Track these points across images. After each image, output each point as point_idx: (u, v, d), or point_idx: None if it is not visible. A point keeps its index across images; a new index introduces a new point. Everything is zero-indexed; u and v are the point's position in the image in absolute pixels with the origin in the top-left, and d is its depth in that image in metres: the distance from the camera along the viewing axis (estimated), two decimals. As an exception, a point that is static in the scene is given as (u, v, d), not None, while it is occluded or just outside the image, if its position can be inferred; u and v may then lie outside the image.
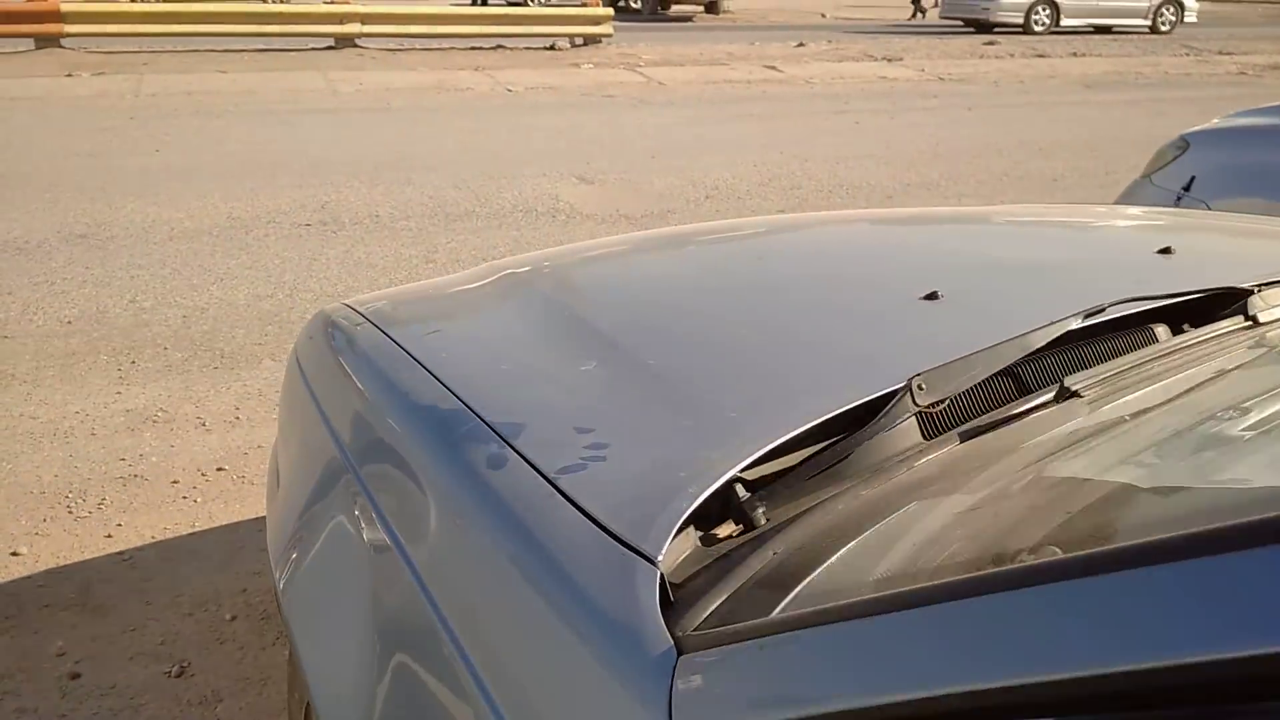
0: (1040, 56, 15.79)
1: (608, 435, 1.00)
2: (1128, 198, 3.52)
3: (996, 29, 19.35)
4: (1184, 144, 3.32)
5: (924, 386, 0.93)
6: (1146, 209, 2.20)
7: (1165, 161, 3.36)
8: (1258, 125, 3.18)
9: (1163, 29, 20.31)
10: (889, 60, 14.81)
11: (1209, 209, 3.12)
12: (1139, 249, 1.45)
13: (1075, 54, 16.15)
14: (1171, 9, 20.24)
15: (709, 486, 0.87)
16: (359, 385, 1.31)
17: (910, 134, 8.98)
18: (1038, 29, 19.23)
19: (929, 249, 1.58)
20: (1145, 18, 20.13)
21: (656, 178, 6.97)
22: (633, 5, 23.96)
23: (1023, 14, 19.15)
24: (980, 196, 6.60)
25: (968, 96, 11.59)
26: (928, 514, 0.85)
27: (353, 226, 5.61)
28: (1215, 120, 3.45)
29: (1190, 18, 20.52)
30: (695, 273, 1.57)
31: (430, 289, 1.68)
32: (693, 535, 0.88)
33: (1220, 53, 16.75)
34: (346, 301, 1.61)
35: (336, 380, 1.38)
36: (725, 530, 0.91)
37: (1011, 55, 15.90)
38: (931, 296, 1.21)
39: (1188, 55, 16.45)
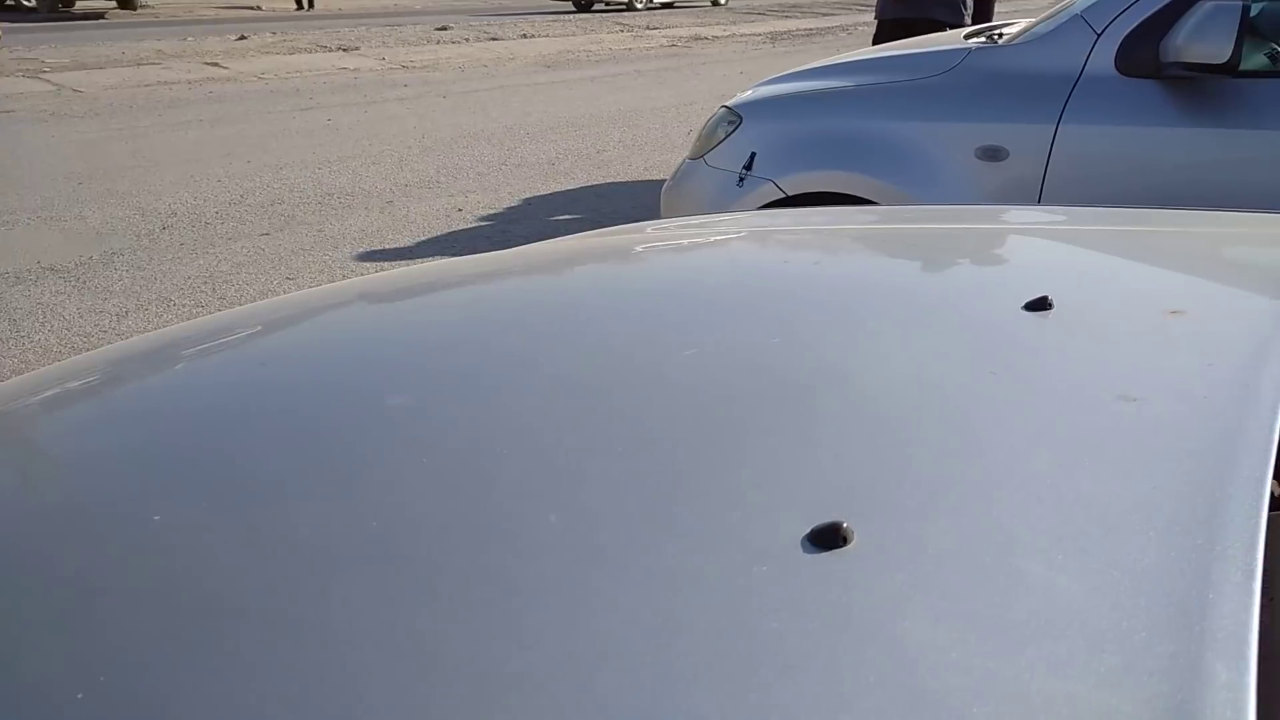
0: (494, 40, 15.85)
1: None
2: (684, 184, 3.10)
3: (598, 7, 21.29)
4: (736, 117, 2.95)
5: None
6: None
7: (718, 140, 2.98)
8: (811, 90, 2.90)
9: (721, 2, 23.16)
10: (345, 50, 13.83)
11: (778, 188, 2.78)
12: (998, 304, 0.84)
13: (525, 36, 16.46)
14: None
15: None
16: None
17: (393, 128, 8.21)
18: (639, 6, 21.40)
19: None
20: None
21: (90, 210, 5.44)
22: (25, 3, 20.03)
23: None
24: (485, 190, 6.06)
25: (438, 84, 11.08)
26: None
27: None
28: (759, 87, 3.15)
29: None
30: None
31: None
32: None
33: (649, 28, 18.15)
34: None
35: None
36: None
37: (466, 40, 15.76)
38: (834, 538, 0.49)
39: (623, 32, 17.58)
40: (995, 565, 0.48)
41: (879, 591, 0.48)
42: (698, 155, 3.08)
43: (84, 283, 4.26)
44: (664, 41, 16.26)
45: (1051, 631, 0.43)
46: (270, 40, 14.46)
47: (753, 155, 2.84)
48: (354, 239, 5.00)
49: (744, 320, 0.89)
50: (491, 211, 5.59)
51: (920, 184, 2.57)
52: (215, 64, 11.96)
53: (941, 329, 0.82)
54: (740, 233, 1.37)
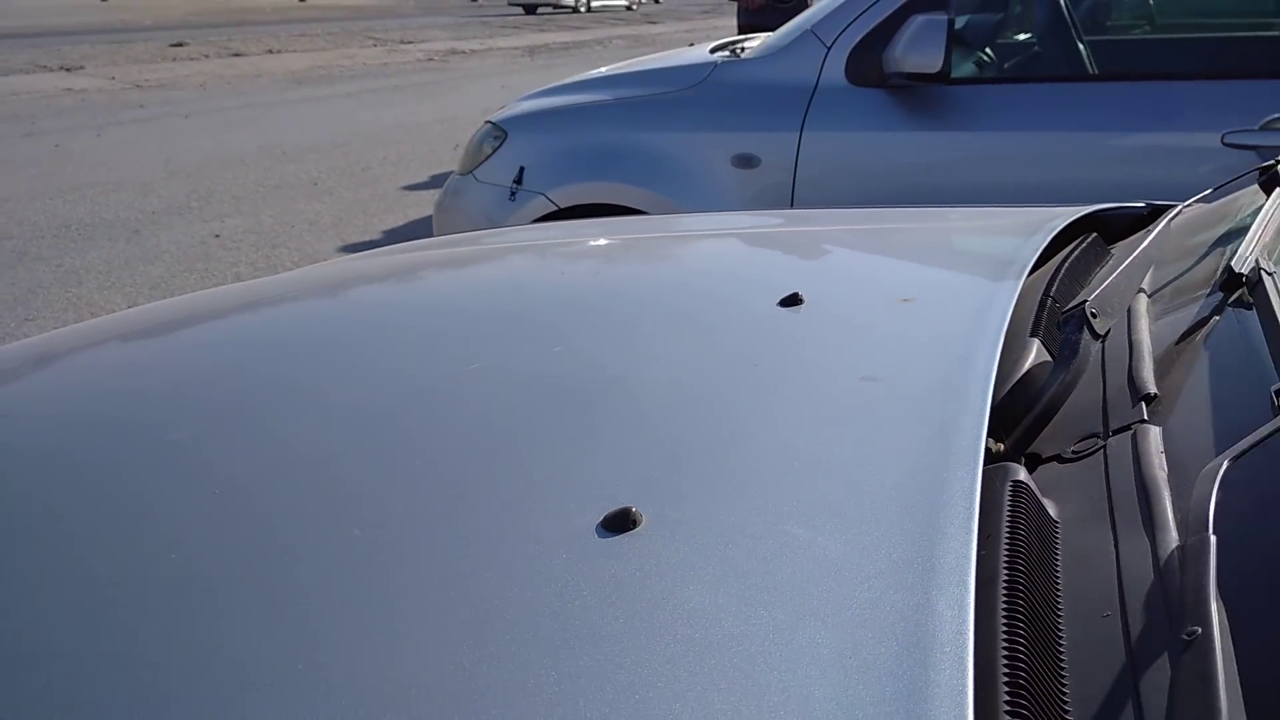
0: (238, 55, 15.11)
1: None
2: (455, 200, 3.11)
3: (542, 9, 25.25)
4: (501, 132, 2.99)
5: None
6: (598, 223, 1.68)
7: (485, 155, 3.01)
8: (572, 104, 2.98)
9: (633, 7, 26.63)
10: (68, 69, 12.77)
11: (550, 200, 2.85)
12: (756, 302, 0.93)
13: (271, 51, 15.78)
14: None
15: None
16: None
17: (130, 152, 7.66)
18: (581, 9, 24.96)
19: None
20: None
21: None
22: None
23: None
24: (244, 214, 5.79)
25: (179, 104, 10.43)
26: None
27: None
28: (520, 102, 3.20)
29: None
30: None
31: None
32: None
33: (403, 42, 17.84)
34: None
35: None
36: None
37: (206, 56, 14.93)
38: (621, 524, 0.56)
39: (376, 46, 17.20)
40: (765, 533, 0.56)
41: (669, 564, 0.54)
42: (466, 171, 3.10)
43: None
44: (420, 56, 16.03)
45: (814, 584, 0.51)
46: (-24, 59, 13.12)
47: (521, 169, 2.90)
48: (99, 272, 4.65)
49: (526, 332, 0.94)
50: (253, 236, 5.35)
51: (683, 192, 2.71)
52: (-89, 87, 10.73)
53: (708, 330, 0.91)
54: (517, 246, 1.42)
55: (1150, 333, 0.80)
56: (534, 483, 0.64)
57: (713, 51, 3.08)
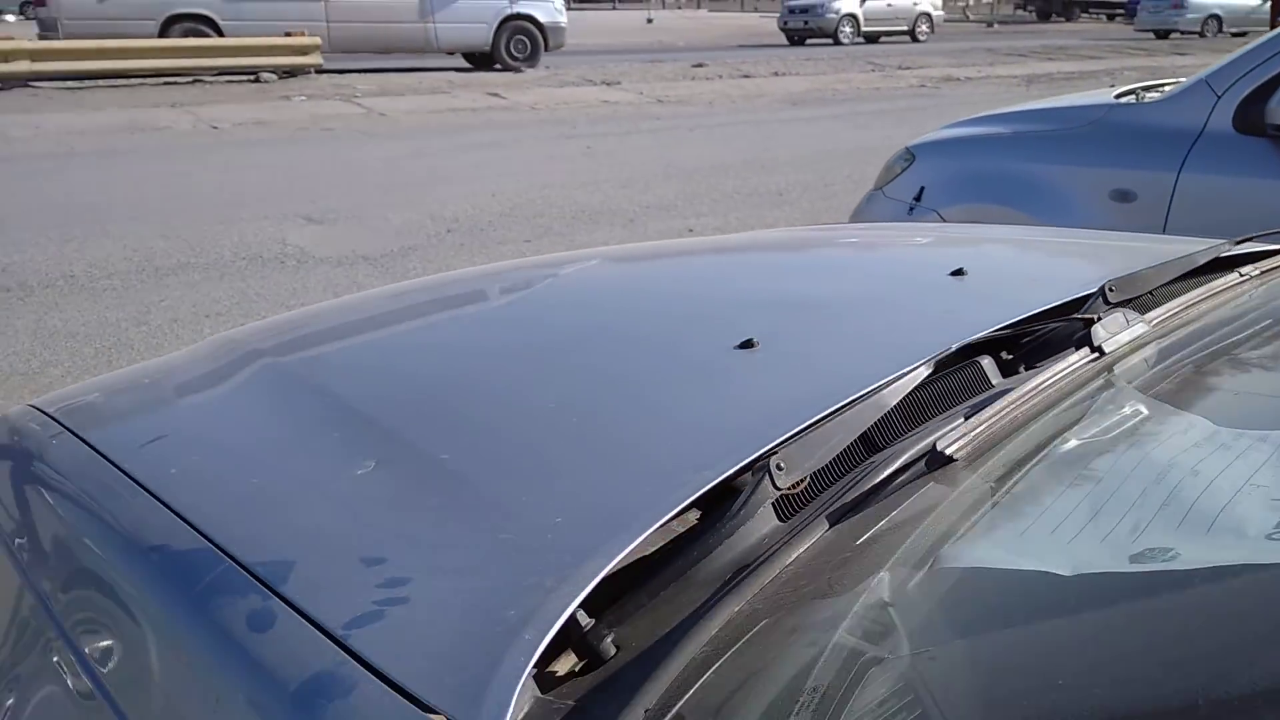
0: (746, 77, 16.69)
1: (406, 565, 0.80)
2: (864, 211, 3.66)
3: (1173, 34, 27.01)
4: (910, 156, 3.49)
5: (783, 466, 0.79)
6: (912, 225, 2.22)
7: (894, 174, 3.52)
8: (975, 135, 3.39)
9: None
10: (608, 84, 15.11)
11: (940, 217, 3.29)
12: (929, 271, 1.41)
13: (776, 74, 17.19)
14: None
15: (549, 628, 0.69)
16: (60, 520, 1.02)
17: (640, 156, 9.14)
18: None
19: (718, 288, 1.47)
20: None
21: (392, 213, 6.64)
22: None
23: (1199, 24, 26.77)
24: (716, 215, 6.79)
25: (689, 118, 12.00)
26: (813, 625, 0.72)
27: (43, 290, 4.90)
28: (935, 132, 3.66)
29: None
30: (466, 335, 1.37)
31: (141, 375, 1.38)
32: (529, 685, 0.70)
33: (901, 68, 18.40)
34: (33, 403, 1.28)
35: (26, 513, 1.08)
36: (564, 665, 0.74)
37: (720, 77, 16.70)
38: (747, 345, 1.10)
39: (874, 71, 17.95)
40: (804, 362, 1.09)
41: (769, 360, 1.10)
42: (879, 187, 3.63)
43: (387, 269, 5.35)
44: (914, 81, 16.48)
45: (787, 395, 1.02)
46: (543, 74, 16.02)
47: (921, 188, 3.37)
48: (596, 248, 5.86)
49: (786, 276, 1.51)
50: (718, 233, 6.30)
51: (1059, 219, 2.99)
52: (496, 94, 13.50)
53: (902, 285, 1.41)
54: (834, 237, 1.98)
55: (1156, 309, 1.17)
56: (726, 333, 1.21)
57: (1118, 96, 3.29)
